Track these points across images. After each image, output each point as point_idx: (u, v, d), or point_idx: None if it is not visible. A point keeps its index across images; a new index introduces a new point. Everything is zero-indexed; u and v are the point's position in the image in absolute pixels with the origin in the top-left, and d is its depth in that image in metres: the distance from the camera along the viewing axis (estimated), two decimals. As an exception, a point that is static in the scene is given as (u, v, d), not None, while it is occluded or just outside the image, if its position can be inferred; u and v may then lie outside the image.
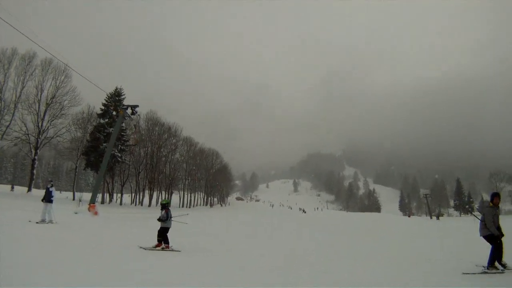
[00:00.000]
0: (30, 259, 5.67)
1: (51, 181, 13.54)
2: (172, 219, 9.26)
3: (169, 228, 9.02)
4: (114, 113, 35.61)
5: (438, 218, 50.62)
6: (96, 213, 19.32)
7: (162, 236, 8.80)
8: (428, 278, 6.24)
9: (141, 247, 8.72)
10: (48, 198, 12.29)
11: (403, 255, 9.94)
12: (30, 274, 4.70)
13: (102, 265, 5.97)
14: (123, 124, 36.88)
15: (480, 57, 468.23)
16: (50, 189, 12.61)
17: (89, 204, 21.18)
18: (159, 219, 8.99)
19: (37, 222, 11.53)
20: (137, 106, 23.33)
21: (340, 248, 12.36)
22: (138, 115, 25.70)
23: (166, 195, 52.23)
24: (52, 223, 11.94)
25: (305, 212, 69.75)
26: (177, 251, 8.80)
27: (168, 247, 8.79)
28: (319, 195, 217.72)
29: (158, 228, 9.11)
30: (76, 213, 19.09)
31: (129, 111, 23.20)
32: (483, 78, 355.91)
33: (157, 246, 8.72)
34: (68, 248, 7.54)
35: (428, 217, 58.26)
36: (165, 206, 9.24)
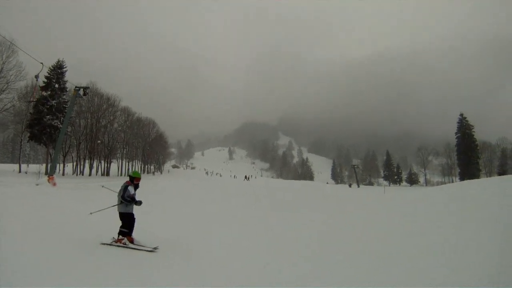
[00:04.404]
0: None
1: None
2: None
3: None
4: (56, 86, 35.94)
5: (350, 186, 61.60)
6: (55, 184, 20.84)
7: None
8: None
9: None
10: None
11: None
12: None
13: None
14: (65, 97, 37.64)
15: (406, 40, 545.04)
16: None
17: (48, 176, 22.64)
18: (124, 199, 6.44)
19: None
20: (88, 88, 27.65)
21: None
22: (87, 93, 28.18)
23: (106, 164, 53.58)
24: None
25: (248, 179, 66.33)
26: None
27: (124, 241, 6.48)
28: (253, 163, 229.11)
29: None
30: (37, 184, 19.76)
31: (81, 92, 25.76)
32: (422, 54, 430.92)
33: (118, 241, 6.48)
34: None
35: (347, 185, 69.86)
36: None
